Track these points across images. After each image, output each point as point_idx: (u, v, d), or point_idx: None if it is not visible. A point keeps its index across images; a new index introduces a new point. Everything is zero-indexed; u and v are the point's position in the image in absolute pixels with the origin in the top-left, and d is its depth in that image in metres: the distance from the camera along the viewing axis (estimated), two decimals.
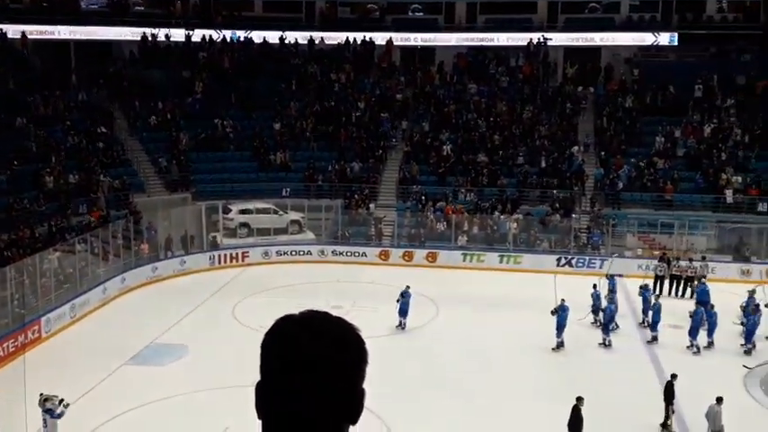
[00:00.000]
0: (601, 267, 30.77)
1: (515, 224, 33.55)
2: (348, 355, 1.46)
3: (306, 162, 37.42)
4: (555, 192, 35.24)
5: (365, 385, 1.52)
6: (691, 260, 29.29)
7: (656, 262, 29.27)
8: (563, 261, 31.46)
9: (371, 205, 35.78)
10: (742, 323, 22.85)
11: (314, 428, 1.43)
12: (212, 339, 22.09)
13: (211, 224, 33.44)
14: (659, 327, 22.84)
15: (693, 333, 22.18)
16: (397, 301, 23.35)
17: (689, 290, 28.19)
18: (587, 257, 31.79)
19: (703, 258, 29.61)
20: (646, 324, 23.77)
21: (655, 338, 22.70)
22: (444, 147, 38.00)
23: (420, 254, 32.51)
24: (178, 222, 32.12)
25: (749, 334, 22.12)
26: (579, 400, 15.95)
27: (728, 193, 34.22)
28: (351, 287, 28.36)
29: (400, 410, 17.66)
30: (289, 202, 34.85)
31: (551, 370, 20.60)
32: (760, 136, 36.82)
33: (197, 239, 32.50)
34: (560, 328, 21.76)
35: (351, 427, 1.51)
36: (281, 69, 41.17)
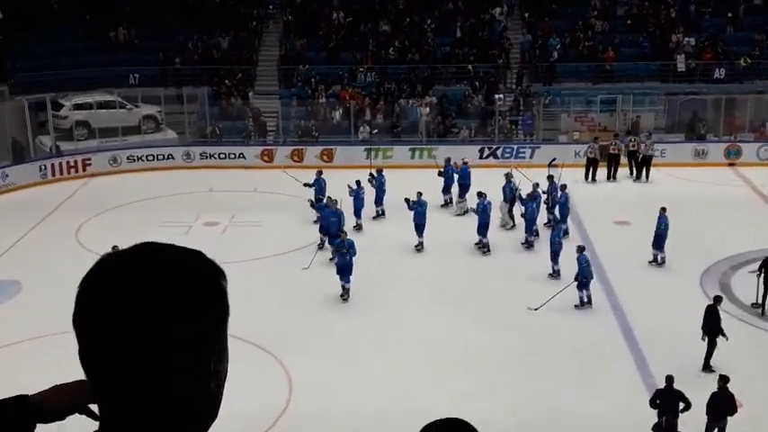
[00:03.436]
0: (531, 157, 31.59)
1: (428, 110, 33.74)
2: (187, 302, 1.35)
3: (158, 39, 36.15)
4: (474, 67, 35.47)
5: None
6: (629, 133, 30.95)
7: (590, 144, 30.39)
8: (486, 152, 32.06)
9: (249, 93, 35.17)
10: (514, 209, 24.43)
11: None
12: (52, 271, 21.52)
13: (38, 124, 32.21)
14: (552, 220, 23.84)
15: (481, 231, 23.12)
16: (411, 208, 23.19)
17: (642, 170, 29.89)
18: (515, 146, 32.47)
19: (648, 135, 30.85)
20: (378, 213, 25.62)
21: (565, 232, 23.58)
22: (335, 14, 37.41)
23: (312, 152, 32.38)
24: None
25: (531, 225, 23.40)
26: (717, 299, 17.28)
27: (679, 59, 35.39)
28: (227, 198, 28.12)
29: (301, 344, 17.99)
30: (140, 93, 33.87)
31: (459, 274, 21.64)
32: None
33: (21, 145, 31.28)
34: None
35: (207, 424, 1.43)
36: None
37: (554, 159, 27.10)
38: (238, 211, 26.51)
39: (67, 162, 31.29)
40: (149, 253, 1.38)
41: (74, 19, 36.36)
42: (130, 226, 23.95)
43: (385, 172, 26.41)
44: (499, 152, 32.08)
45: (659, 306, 19.61)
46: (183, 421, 1.38)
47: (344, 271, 20.13)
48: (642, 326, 18.76)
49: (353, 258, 20.06)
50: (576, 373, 16.88)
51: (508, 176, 25.09)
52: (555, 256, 21.24)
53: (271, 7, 38.49)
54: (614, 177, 30.18)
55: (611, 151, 30.16)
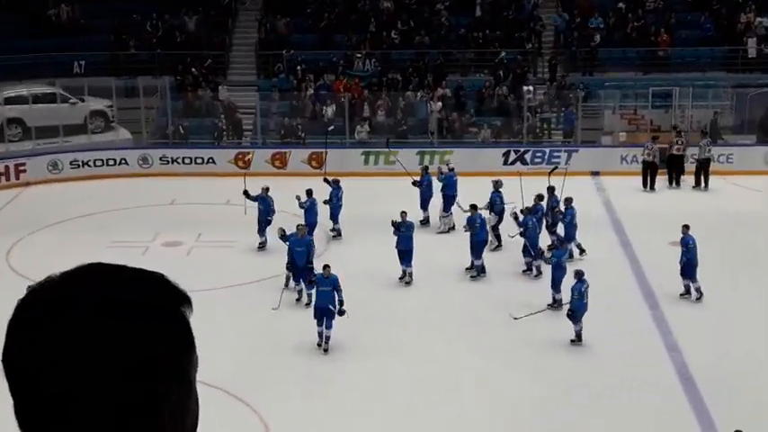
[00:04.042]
0: (567, 163, 31.60)
1: (440, 104, 33.79)
2: (141, 350, 1.41)
3: (109, 18, 36.28)
4: (497, 53, 35.56)
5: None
6: (676, 129, 31.09)
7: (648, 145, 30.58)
8: (512, 156, 32.08)
9: (220, 84, 35.26)
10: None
11: None
12: None
13: None
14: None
15: (475, 252, 23.06)
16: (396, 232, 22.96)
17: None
18: (547, 149, 32.49)
19: (704, 134, 30.90)
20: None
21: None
22: None
23: (298, 155, 32.39)
24: None
25: (533, 245, 23.28)
26: None
27: (750, 44, 35.46)
28: (193, 212, 28.10)
29: (278, 389, 17.94)
30: (86, 83, 33.91)
31: (449, 305, 21.73)
32: None
33: None
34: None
35: None
36: None
37: (555, 167, 26.88)
38: (206, 229, 26.42)
39: None
40: (94, 274, 1.45)
41: None
42: (74, 247, 23.78)
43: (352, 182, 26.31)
44: (528, 156, 32.07)
45: (725, 347, 19.45)
46: None
47: (328, 315, 19.56)
48: (704, 370, 18.60)
49: (342, 298, 19.59)
50: (621, 426, 16.85)
51: (497, 184, 25.11)
52: (556, 282, 21.20)
53: None
54: (677, 184, 30.40)
55: (674, 152, 30.29)
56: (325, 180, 26.12)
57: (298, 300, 21.60)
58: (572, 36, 36.24)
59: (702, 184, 30.15)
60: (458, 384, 18.20)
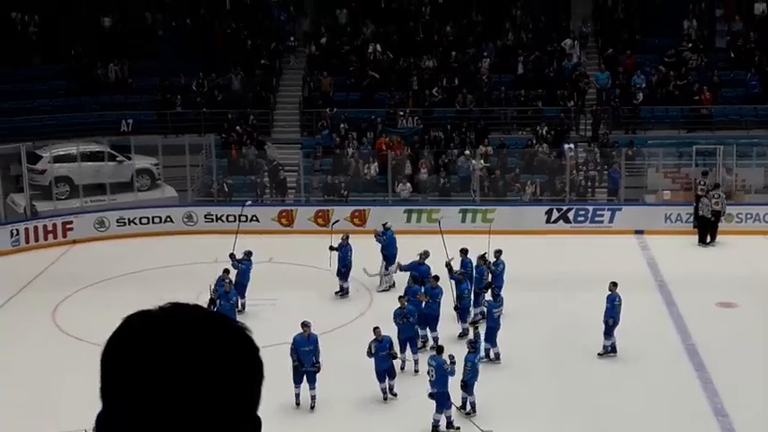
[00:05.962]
0: (611, 222, 31.49)
1: (482, 162, 33.82)
2: (234, 365, 1.67)
3: (156, 77, 36.79)
4: (540, 110, 35.60)
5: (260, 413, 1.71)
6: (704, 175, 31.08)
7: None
8: (555, 215, 32.00)
9: (264, 142, 35.51)
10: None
11: None
12: (22, 359, 21.69)
13: (11, 180, 32.66)
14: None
15: (431, 325, 22.39)
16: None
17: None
18: (590, 207, 32.38)
19: (716, 186, 30.79)
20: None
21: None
22: (371, 46, 37.83)
23: (341, 213, 32.48)
24: None
25: (465, 309, 23.00)
26: None
27: None
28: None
29: None
30: (133, 142, 34.24)
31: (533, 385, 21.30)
32: None
33: None
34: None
35: None
36: None
37: (485, 253, 25.86)
38: (250, 287, 26.48)
39: (45, 226, 31.47)
40: (188, 312, 1.72)
41: (54, 54, 37.06)
42: (120, 304, 23.67)
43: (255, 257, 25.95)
44: (571, 214, 31.97)
45: None
46: None
47: (391, 374, 19.90)
48: None
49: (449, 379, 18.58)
50: None
51: (423, 256, 24.71)
52: (490, 335, 21.27)
53: (293, 38, 38.99)
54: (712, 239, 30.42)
55: (714, 207, 30.22)
56: (231, 256, 25.48)
57: (297, 405, 20.06)
58: (614, 93, 36.24)
59: (708, 239, 30.24)
60: None
